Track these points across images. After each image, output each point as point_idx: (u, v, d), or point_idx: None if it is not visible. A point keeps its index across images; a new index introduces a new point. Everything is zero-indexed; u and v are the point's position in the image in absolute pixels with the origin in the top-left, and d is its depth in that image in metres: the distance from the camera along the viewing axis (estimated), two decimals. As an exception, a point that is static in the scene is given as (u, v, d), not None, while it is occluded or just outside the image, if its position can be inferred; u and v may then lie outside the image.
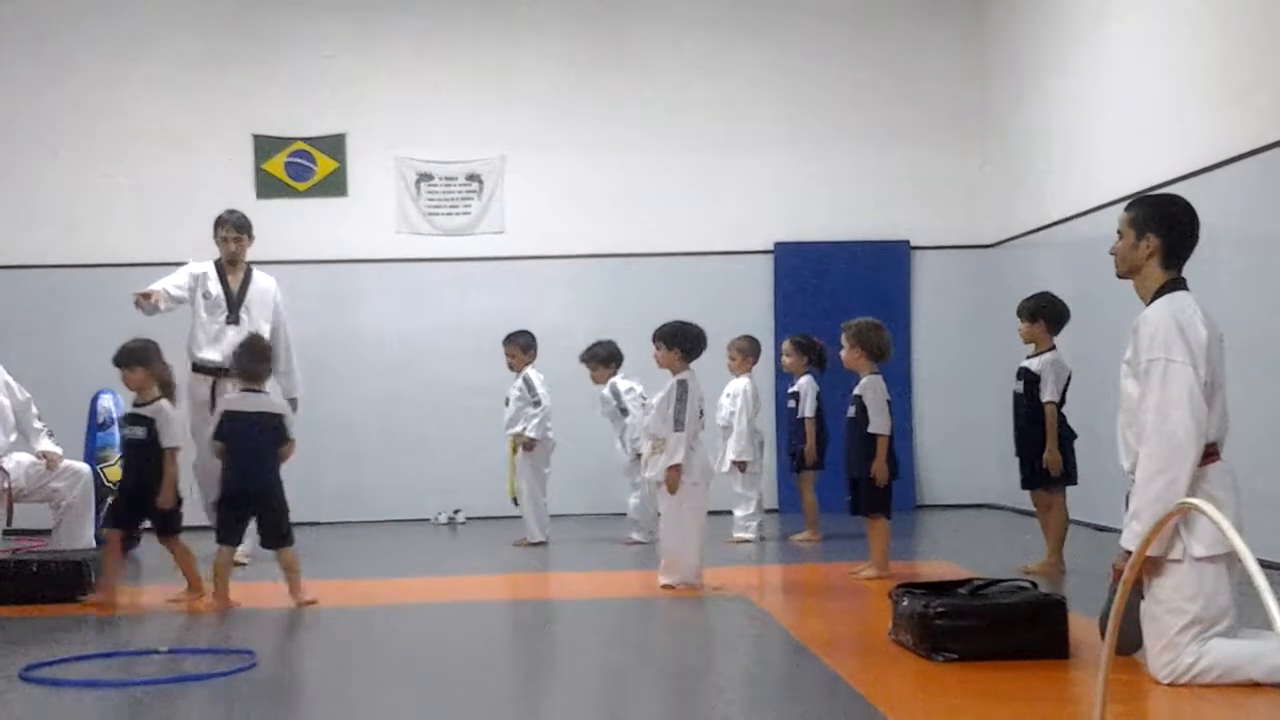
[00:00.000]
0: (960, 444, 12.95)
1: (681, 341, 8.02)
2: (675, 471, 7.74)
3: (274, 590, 8.02)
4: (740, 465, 10.37)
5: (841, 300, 12.70)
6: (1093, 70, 10.82)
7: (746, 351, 10.57)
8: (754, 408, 10.42)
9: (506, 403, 10.60)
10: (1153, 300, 5.11)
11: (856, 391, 8.28)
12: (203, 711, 5.03)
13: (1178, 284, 5.13)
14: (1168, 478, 4.84)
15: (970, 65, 13.19)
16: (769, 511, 11.81)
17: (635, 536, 10.33)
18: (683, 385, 7.88)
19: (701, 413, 7.97)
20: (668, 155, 13.09)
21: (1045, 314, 8.50)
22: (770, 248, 13.11)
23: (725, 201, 13.10)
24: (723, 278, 12.93)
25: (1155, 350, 4.95)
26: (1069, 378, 8.37)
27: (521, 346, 10.62)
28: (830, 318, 12.29)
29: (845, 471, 8.43)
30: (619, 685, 5.53)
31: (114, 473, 10.73)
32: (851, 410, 8.31)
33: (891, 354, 8.51)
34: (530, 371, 10.52)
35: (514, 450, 10.57)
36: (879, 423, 8.15)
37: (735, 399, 10.43)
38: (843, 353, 8.41)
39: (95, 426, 11.07)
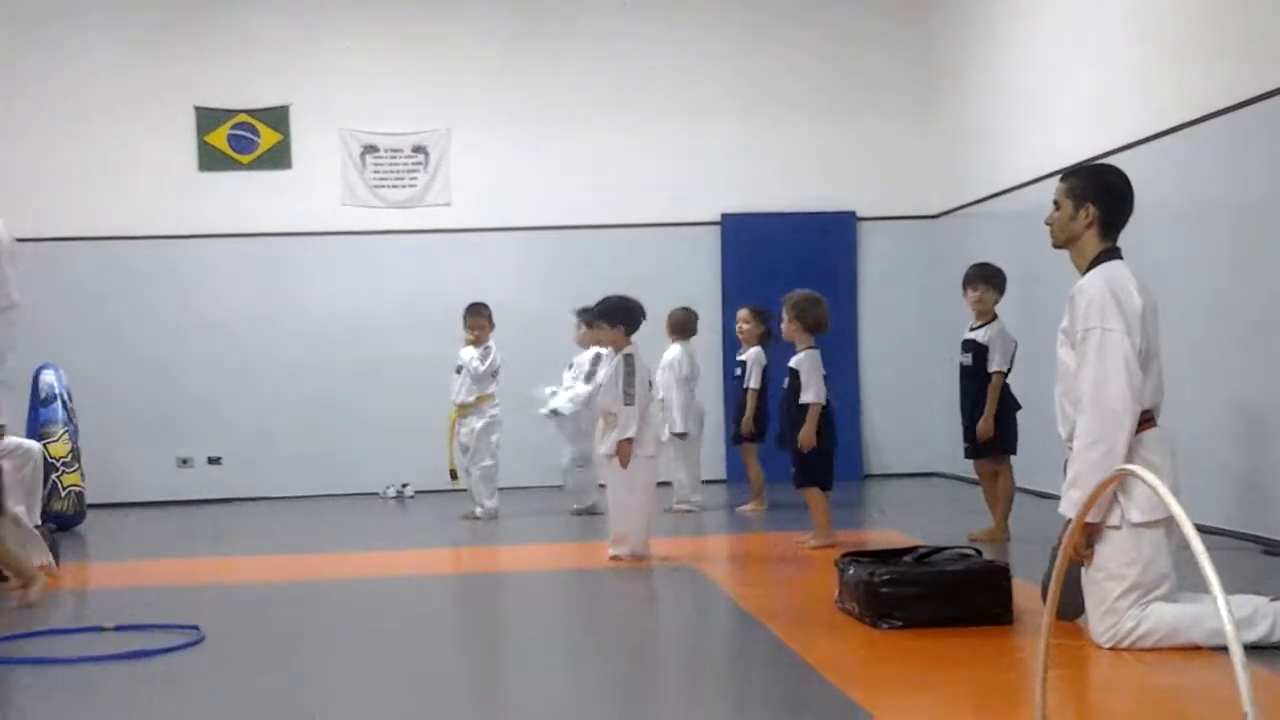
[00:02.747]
0: (907, 413, 13.03)
1: (624, 317, 8.05)
2: (628, 445, 7.78)
3: (213, 565, 7.99)
4: (680, 436, 10.43)
5: (788, 271, 12.72)
6: (1035, 42, 10.89)
7: (681, 324, 10.62)
8: (692, 378, 10.52)
9: (458, 371, 10.56)
10: (1088, 270, 5.17)
11: (792, 365, 8.31)
12: (153, 687, 5.02)
13: (1113, 253, 5.18)
14: (1105, 445, 4.89)
15: (915, 37, 13.23)
16: (717, 482, 11.90)
17: (576, 506, 10.43)
18: (629, 360, 7.91)
19: (651, 385, 8.01)
20: (614, 127, 13.07)
21: (997, 281, 8.55)
22: (717, 219, 13.12)
23: (672, 173, 13.09)
24: (670, 249, 12.94)
25: (1091, 319, 4.99)
26: (1015, 347, 8.44)
27: (489, 317, 10.57)
28: (777, 289, 12.29)
29: (778, 443, 8.46)
30: (568, 657, 5.55)
31: (57, 449, 10.65)
32: (786, 382, 8.34)
33: (829, 327, 8.55)
34: (493, 344, 10.52)
35: (454, 423, 10.56)
36: (811, 393, 8.19)
37: (669, 370, 10.46)
38: (783, 325, 8.48)
39: (38, 402, 10.97)
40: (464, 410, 10.49)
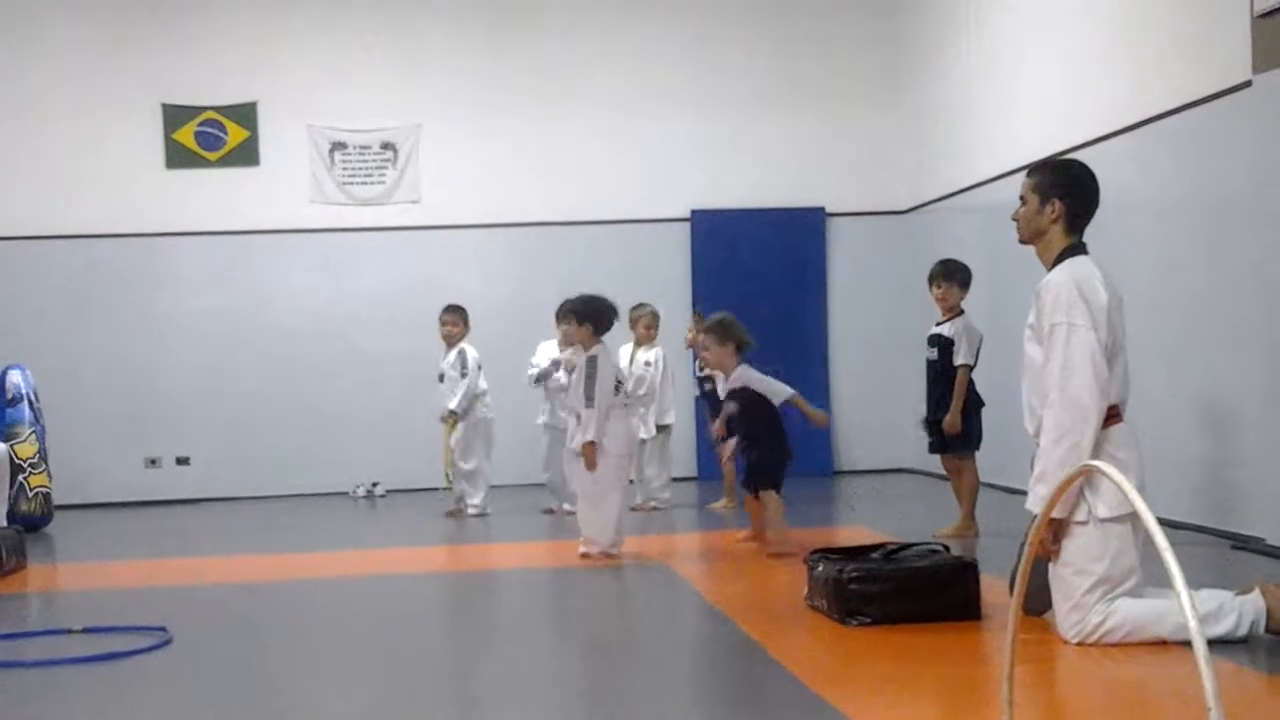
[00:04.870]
0: (876, 409, 13.06)
1: (592, 316, 7.99)
2: (590, 447, 7.76)
3: (181, 566, 7.93)
4: (666, 429, 10.47)
5: (758, 267, 12.87)
6: (1003, 36, 10.92)
7: (656, 320, 10.62)
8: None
9: (440, 379, 10.54)
10: (1055, 265, 5.18)
11: (741, 385, 8.04)
12: (121, 689, 4.99)
13: (1079, 249, 5.19)
14: (1071, 441, 4.90)
15: (883, 32, 13.24)
16: (686, 480, 11.90)
17: (553, 506, 10.41)
18: (593, 361, 7.87)
19: (619, 385, 7.95)
20: (583, 123, 13.06)
21: (961, 277, 8.55)
22: (687, 215, 13.13)
23: (641, 169, 13.10)
24: (640, 245, 12.94)
25: (1057, 315, 5.00)
26: (981, 341, 8.46)
27: (464, 319, 10.55)
28: (747, 285, 12.38)
29: (743, 454, 8.26)
30: (538, 655, 5.54)
31: (24, 450, 10.59)
32: (734, 408, 8.07)
33: (752, 343, 8.27)
34: (467, 345, 10.47)
35: (451, 428, 10.53)
36: (784, 394, 8.09)
37: (655, 365, 10.47)
38: (707, 354, 8.19)
39: (4, 403, 10.90)
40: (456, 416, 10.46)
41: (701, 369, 10.58)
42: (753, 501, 8.23)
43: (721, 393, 8.46)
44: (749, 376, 8.09)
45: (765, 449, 8.06)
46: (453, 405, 10.36)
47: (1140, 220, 8.43)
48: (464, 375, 10.35)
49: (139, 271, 12.71)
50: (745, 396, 8.07)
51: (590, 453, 7.76)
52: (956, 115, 11.91)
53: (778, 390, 8.05)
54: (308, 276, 12.90)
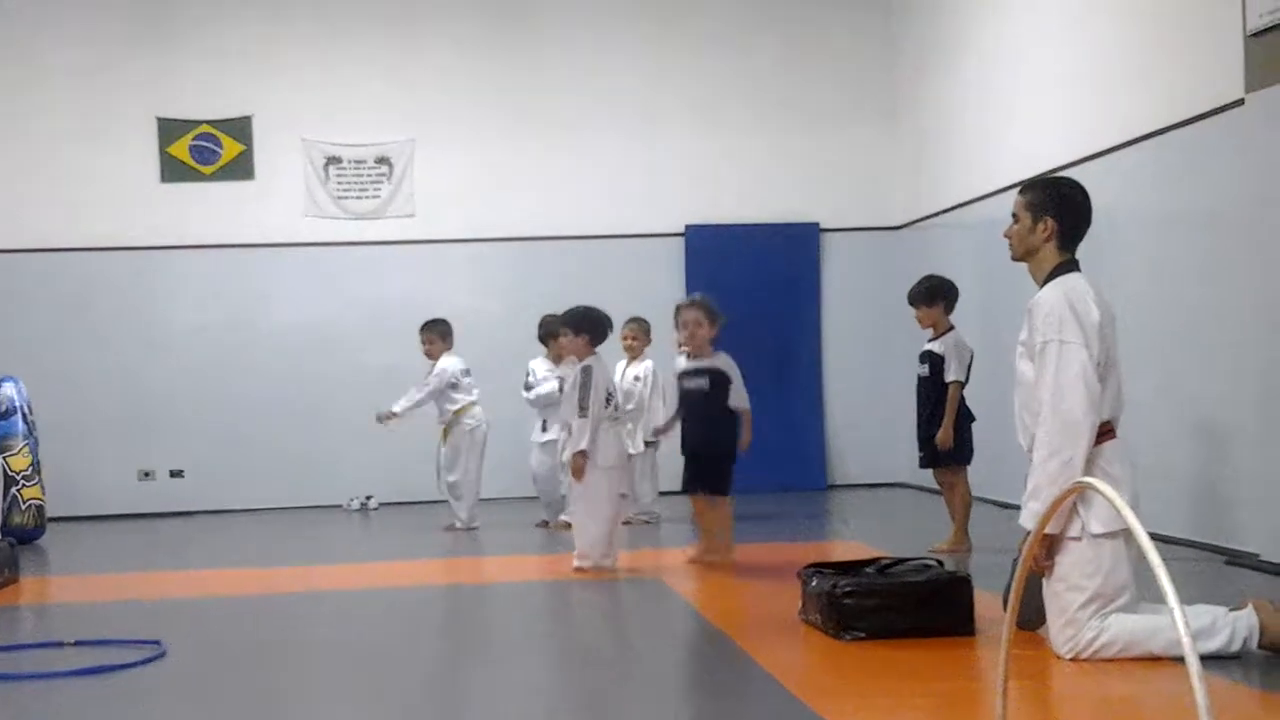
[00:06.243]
0: (870, 424, 13.06)
1: (587, 327, 8.02)
2: (580, 458, 7.76)
3: (175, 579, 7.91)
4: (654, 444, 10.46)
5: (752, 282, 12.87)
6: (998, 52, 10.95)
7: (648, 333, 10.63)
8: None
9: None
10: (1046, 282, 5.20)
11: (719, 369, 8.10)
12: (114, 703, 4.98)
13: (1071, 265, 5.21)
14: (1064, 457, 4.92)
15: (877, 47, 13.29)
16: (677, 494, 11.88)
17: (547, 519, 10.39)
18: (587, 371, 7.89)
19: (610, 397, 7.96)
20: (578, 138, 13.07)
21: (946, 296, 8.57)
22: (681, 230, 13.14)
23: (636, 184, 13.11)
24: (633, 261, 12.94)
25: (1049, 331, 5.02)
26: (971, 357, 8.47)
27: (440, 334, 10.55)
28: (742, 300, 12.34)
29: (692, 448, 8.22)
30: (531, 669, 5.54)
31: (17, 462, 10.57)
32: (704, 383, 8.12)
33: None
34: (447, 358, 10.45)
35: (444, 439, 10.52)
36: (741, 398, 8.12)
37: (644, 380, 10.47)
38: (701, 330, 8.16)
39: (-3, 415, 10.89)
40: (447, 428, 10.45)
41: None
42: (701, 504, 8.15)
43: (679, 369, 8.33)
44: (729, 364, 8.10)
45: (721, 447, 8.03)
46: (397, 407, 10.38)
47: (1133, 237, 8.45)
48: (426, 384, 10.37)
49: (133, 284, 12.70)
50: (718, 379, 8.05)
51: (580, 464, 7.77)
52: (951, 131, 11.94)
53: (744, 394, 8.05)
54: (302, 290, 12.89)
